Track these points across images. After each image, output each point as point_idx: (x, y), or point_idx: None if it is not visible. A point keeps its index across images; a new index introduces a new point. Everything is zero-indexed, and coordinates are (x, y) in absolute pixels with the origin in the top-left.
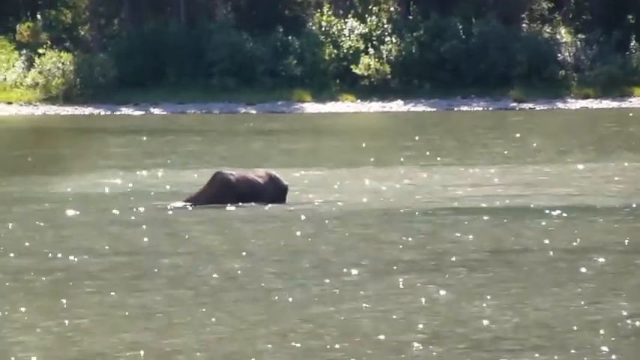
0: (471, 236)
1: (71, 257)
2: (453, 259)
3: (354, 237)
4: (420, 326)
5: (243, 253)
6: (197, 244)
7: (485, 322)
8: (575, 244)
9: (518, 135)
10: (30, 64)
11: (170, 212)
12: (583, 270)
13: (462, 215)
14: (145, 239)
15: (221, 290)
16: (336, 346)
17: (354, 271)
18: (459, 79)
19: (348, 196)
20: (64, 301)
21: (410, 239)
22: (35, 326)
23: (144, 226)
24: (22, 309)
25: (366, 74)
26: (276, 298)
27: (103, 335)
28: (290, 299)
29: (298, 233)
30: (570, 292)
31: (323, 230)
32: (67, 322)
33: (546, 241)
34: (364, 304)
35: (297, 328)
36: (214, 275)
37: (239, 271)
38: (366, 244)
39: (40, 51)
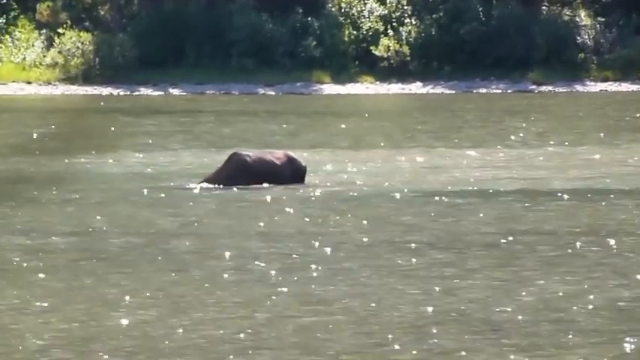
0: (491, 219)
1: (83, 237)
2: (470, 239)
3: (373, 218)
4: (438, 309)
5: (257, 235)
6: (211, 225)
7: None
8: (590, 226)
9: (535, 117)
10: (49, 44)
11: (185, 193)
12: (598, 251)
13: (480, 198)
14: (159, 220)
15: (234, 271)
16: (362, 328)
17: (369, 252)
18: (478, 62)
19: (368, 178)
20: (87, 281)
21: (428, 221)
22: (50, 307)
23: (157, 207)
24: (42, 288)
25: (385, 56)
26: (288, 279)
27: (111, 315)
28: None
29: (315, 214)
30: (585, 275)
31: (341, 212)
32: (87, 302)
33: (562, 223)
34: (390, 286)
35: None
36: (228, 256)
37: (255, 253)
38: (383, 226)
39: (60, 31)
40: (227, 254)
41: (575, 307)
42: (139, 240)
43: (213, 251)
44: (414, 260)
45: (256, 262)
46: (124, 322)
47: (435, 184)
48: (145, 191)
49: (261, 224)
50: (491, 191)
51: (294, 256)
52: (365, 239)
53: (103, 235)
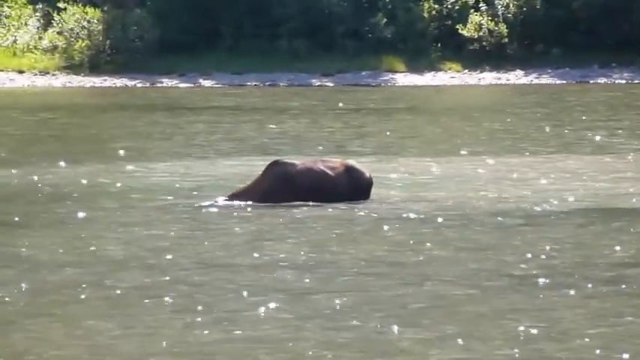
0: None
1: (93, 267)
2: (592, 271)
3: (456, 246)
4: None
5: (305, 267)
6: (239, 253)
7: None
8: None
9: None
10: (47, 23)
11: (209, 210)
12: None
13: (601, 218)
14: (172, 246)
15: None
16: None
17: (460, 291)
18: (595, 44)
19: (451, 193)
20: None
21: (535, 248)
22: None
23: (173, 230)
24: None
25: (475, 37)
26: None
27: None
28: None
29: (381, 243)
30: None
31: (416, 237)
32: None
33: None
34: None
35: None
36: (267, 295)
37: (304, 290)
38: (467, 255)
39: (60, 5)
40: (259, 292)
41: None
42: (137, 273)
43: (238, 290)
44: (517, 295)
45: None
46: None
47: (534, 201)
48: (158, 209)
49: (298, 255)
50: (611, 209)
51: (353, 299)
52: (447, 271)
53: (100, 268)
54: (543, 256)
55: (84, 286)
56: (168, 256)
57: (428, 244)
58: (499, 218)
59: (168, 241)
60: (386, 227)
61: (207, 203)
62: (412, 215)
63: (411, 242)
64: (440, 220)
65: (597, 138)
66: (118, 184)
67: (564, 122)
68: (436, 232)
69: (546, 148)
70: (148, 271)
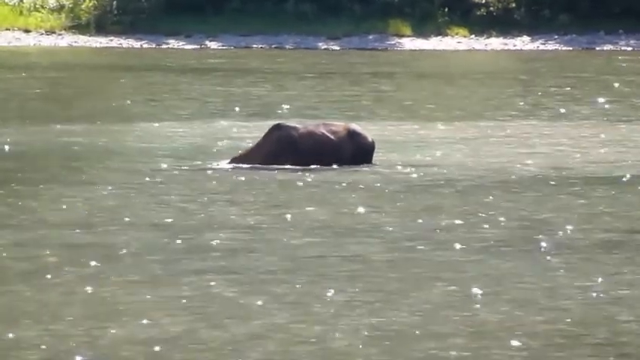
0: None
1: (86, 230)
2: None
3: (460, 209)
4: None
5: (304, 231)
6: (242, 217)
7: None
8: None
9: None
10: None
11: (213, 174)
12: None
13: (590, 185)
14: (171, 209)
15: (280, 280)
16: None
17: (459, 255)
18: (603, 9)
19: (454, 159)
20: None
21: (536, 211)
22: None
23: (175, 192)
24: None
25: (483, 2)
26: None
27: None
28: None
29: (382, 205)
30: None
31: (420, 201)
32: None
33: None
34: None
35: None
36: (270, 258)
37: (303, 255)
38: (462, 219)
39: None
40: (267, 253)
41: None
42: (144, 234)
43: (247, 251)
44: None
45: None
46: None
47: (534, 166)
48: (159, 172)
49: (308, 218)
50: (604, 176)
51: (356, 257)
52: (450, 235)
53: (108, 229)
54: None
55: (86, 245)
56: (169, 220)
57: (429, 210)
58: (494, 182)
59: (169, 205)
60: (387, 191)
61: (209, 166)
62: (415, 181)
63: (413, 207)
64: (439, 183)
65: (598, 105)
66: (119, 146)
67: (573, 88)
68: (440, 197)
69: (558, 115)
70: (150, 233)
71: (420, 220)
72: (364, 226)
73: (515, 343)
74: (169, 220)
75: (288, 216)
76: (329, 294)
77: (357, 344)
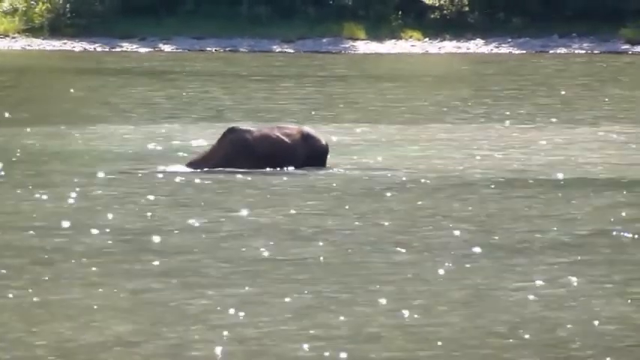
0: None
1: (34, 234)
2: (521, 239)
3: (408, 212)
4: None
5: (257, 234)
6: (196, 220)
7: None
8: None
9: (626, 85)
10: None
11: (165, 179)
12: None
13: (533, 188)
14: (119, 212)
15: (237, 275)
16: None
17: (408, 256)
18: (556, 13)
19: (406, 162)
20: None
21: (478, 214)
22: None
23: (126, 196)
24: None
25: (436, 5)
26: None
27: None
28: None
29: (336, 206)
30: None
31: (372, 203)
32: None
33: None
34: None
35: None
36: (220, 261)
37: (253, 258)
38: (416, 220)
39: None
40: (221, 256)
41: None
42: (93, 239)
43: (201, 254)
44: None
45: (250, 267)
46: (99, 337)
47: (480, 169)
48: (115, 176)
49: (261, 220)
50: (547, 178)
51: (303, 258)
52: (394, 237)
53: (60, 233)
54: (470, 218)
55: (45, 249)
56: (116, 222)
57: (381, 212)
58: (439, 183)
59: (120, 208)
60: (336, 194)
61: (164, 169)
62: (366, 182)
63: (363, 210)
64: (391, 185)
65: (552, 106)
66: (71, 149)
67: (524, 92)
68: (386, 197)
69: (509, 117)
70: (98, 236)
71: (358, 223)
72: (311, 229)
73: (447, 345)
74: (116, 223)
75: (234, 219)
76: (267, 297)
77: (292, 347)
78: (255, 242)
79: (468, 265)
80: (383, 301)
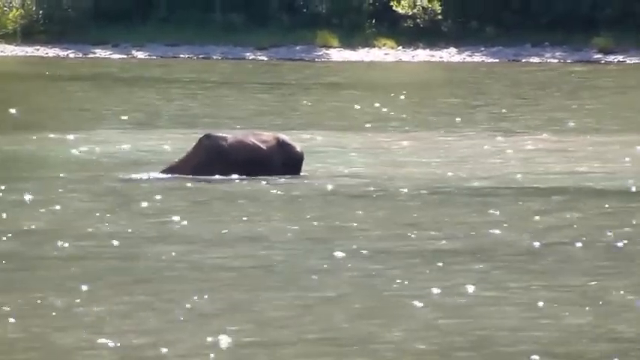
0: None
1: (15, 241)
2: (496, 249)
3: (386, 219)
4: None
5: (231, 241)
6: (173, 229)
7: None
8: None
9: (599, 95)
10: None
11: (141, 185)
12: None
13: (513, 196)
14: (99, 220)
15: (219, 283)
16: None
17: (390, 261)
18: (529, 22)
19: (379, 169)
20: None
21: (451, 224)
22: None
23: (101, 204)
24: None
25: (410, 13)
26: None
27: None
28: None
29: (312, 215)
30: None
31: (347, 210)
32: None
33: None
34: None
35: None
36: (196, 268)
37: (230, 265)
38: (393, 227)
39: None
40: (196, 264)
41: None
42: (69, 249)
43: (175, 262)
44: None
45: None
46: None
47: (451, 177)
48: (90, 184)
49: (237, 228)
50: (526, 189)
51: (283, 265)
52: (376, 245)
53: (39, 240)
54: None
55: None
56: (91, 229)
57: (339, 218)
58: (418, 192)
59: (96, 215)
60: (315, 201)
61: (139, 177)
62: (342, 189)
63: (339, 217)
64: (365, 192)
65: (525, 115)
66: (43, 155)
67: (497, 100)
68: (360, 204)
69: (481, 125)
70: (74, 243)
71: (295, 227)
72: (269, 236)
73: (371, 351)
74: (79, 229)
75: (188, 226)
76: (182, 302)
77: (198, 352)
78: (199, 247)
79: (399, 270)
80: (302, 304)
